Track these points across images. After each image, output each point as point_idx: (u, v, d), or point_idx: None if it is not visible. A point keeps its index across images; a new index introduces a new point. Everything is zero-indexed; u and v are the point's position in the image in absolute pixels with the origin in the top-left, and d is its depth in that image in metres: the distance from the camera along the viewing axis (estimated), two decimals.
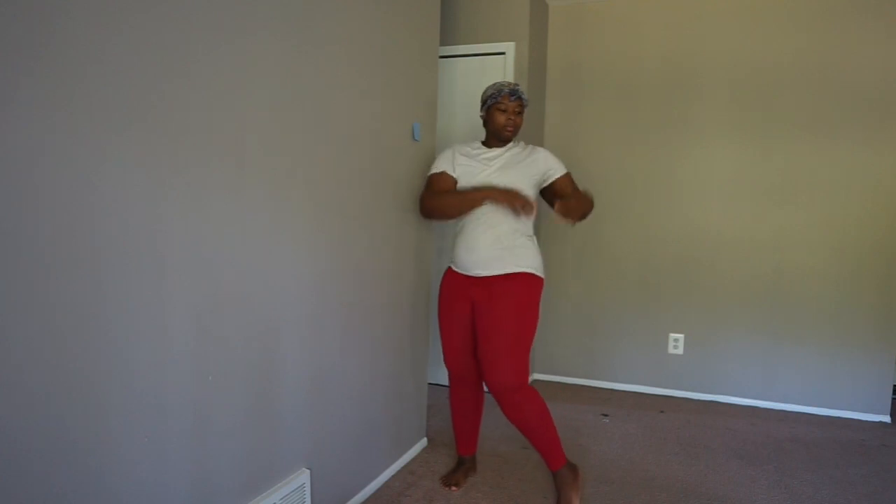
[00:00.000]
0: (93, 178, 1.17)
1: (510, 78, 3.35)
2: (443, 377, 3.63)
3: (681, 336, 3.55)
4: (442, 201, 2.22)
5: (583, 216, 2.20)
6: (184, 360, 1.42)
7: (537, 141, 3.62)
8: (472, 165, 2.26)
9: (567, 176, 2.30)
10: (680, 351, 3.56)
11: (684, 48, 3.42)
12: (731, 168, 3.39)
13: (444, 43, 3.43)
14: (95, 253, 1.19)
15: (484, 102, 2.27)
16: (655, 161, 3.52)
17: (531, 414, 2.16)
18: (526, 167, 2.23)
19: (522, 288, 2.18)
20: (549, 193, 2.32)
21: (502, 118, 2.22)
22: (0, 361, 1.05)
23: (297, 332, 1.81)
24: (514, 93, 2.20)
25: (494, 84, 2.25)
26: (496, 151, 2.27)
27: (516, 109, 2.22)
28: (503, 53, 3.37)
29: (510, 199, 2.12)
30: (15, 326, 1.06)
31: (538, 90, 3.58)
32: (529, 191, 2.22)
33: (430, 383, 3.62)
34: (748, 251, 3.39)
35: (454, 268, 2.31)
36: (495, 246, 2.17)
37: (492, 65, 3.41)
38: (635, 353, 3.65)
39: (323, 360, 1.95)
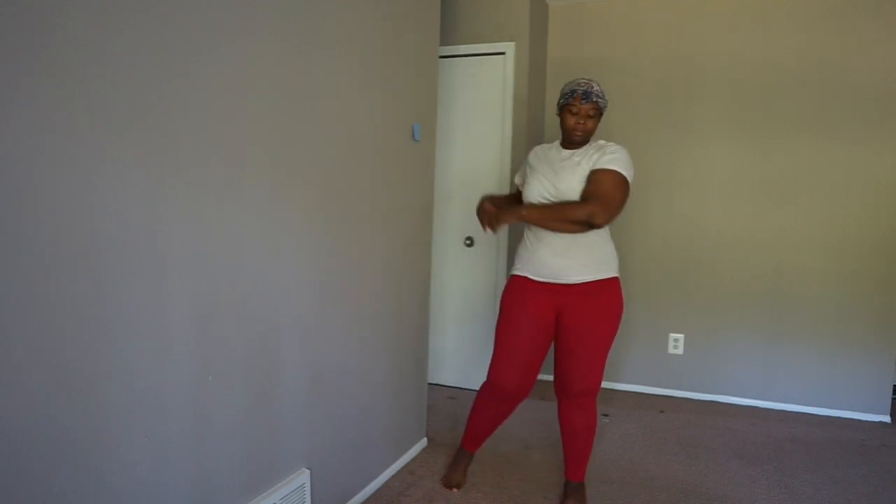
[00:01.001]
0: (93, 178, 1.17)
1: (510, 78, 3.35)
2: (443, 377, 3.63)
3: (681, 336, 3.55)
4: None
5: (546, 220, 2.01)
6: (184, 360, 1.42)
7: (536, 140, 3.61)
8: (538, 167, 2.15)
9: (608, 172, 1.98)
10: (680, 351, 3.55)
11: (684, 48, 3.42)
12: (731, 168, 3.39)
13: (444, 43, 3.43)
14: (95, 253, 1.19)
15: (558, 102, 2.11)
16: (655, 161, 3.51)
17: (589, 418, 2.20)
18: (581, 169, 2.04)
19: (615, 295, 2.11)
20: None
21: (571, 121, 2.05)
22: (0, 361, 1.05)
23: (297, 333, 1.81)
24: (587, 95, 2.01)
25: (571, 82, 2.08)
26: (566, 153, 2.12)
27: (588, 113, 2.04)
28: (503, 53, 3.37)
29: (480, 218, 2.13)
30: (15, 326, 1.06)
31: (538, 90, 3.58)
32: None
33: (430, 383, 3.61)
34: (748, 251, 3.39)
35: (530, 276, 2.14)
36: (582, 251, 2.06)
37: (492, 65, 3.40)
38: (635, 353, 3.65)
39: (323, 360, 1.95)
